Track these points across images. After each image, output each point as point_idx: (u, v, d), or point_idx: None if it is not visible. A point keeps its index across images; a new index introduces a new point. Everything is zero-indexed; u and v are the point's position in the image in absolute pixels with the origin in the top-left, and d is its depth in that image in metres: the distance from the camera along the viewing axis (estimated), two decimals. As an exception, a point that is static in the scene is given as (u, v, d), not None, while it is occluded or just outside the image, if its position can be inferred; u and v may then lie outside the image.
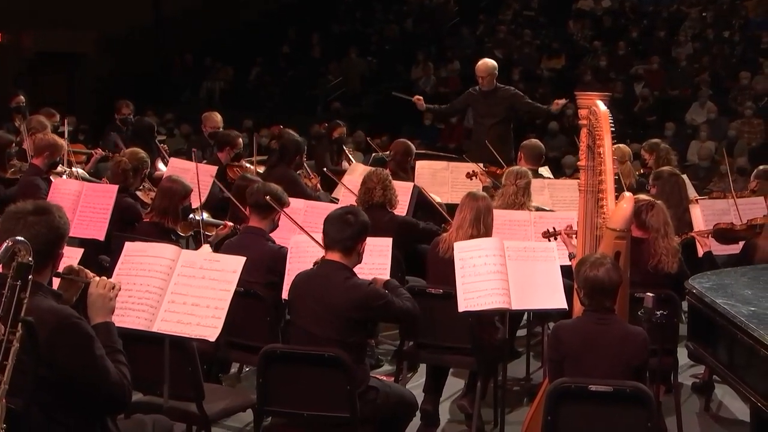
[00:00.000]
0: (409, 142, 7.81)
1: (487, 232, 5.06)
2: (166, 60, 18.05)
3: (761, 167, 7.50)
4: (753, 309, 3.89)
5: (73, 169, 7.32)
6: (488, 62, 8.59)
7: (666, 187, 6.27)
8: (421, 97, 9.03)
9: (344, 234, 4.05)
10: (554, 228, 5.33)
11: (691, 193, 7.14)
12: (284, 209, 5.16)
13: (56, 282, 3.18)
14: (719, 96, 13.84)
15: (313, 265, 4.27)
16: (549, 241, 5.21)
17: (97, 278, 3.16)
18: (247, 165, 8.11)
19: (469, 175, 7.31)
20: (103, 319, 3.10)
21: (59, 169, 6.96)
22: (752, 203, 6.37)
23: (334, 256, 4.07)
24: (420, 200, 6.70)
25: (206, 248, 5.53)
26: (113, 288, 3.15)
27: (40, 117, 8.22)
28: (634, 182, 7.39)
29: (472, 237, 4.91)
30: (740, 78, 13.87)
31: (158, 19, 17.90)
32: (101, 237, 5.90)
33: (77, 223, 5.94)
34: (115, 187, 6.10)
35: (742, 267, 4.99)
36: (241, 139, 8.15)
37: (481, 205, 5.10)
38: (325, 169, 8.10)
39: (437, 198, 7.02)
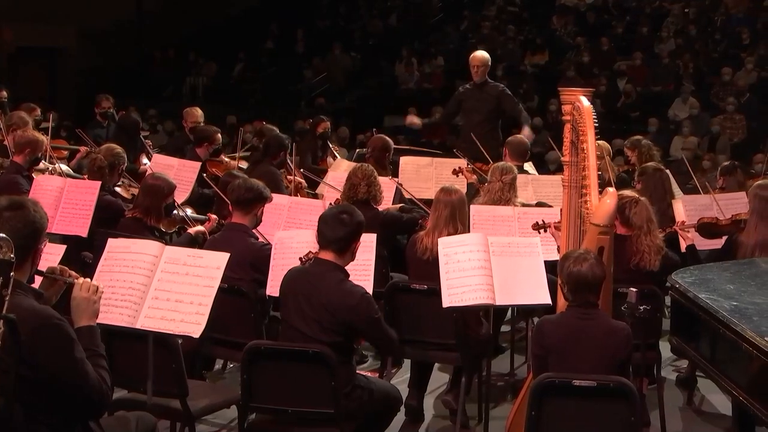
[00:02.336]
0: (387, 138, 7.80)
1: (464, 229, 5.06)
2: (148, 55, 17.95)
3: (724, 164, 7.54)
4: (735, 304, 3.91)
5: (57, 165, 7.26)
6: (483, 53, 8.64)
7: (650, 182, 6.30)
8: (413, 120, 8.89)
9: (339, 234, 4.03)
10: (543, 221, 5.35)
11: (676, 189, 7.17)
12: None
13: (38, 280, 3.16)
14: (701, 92, 13.91)
15: (300, 261, 4.26)
16: (539, 233, 5.22)
17: (81, 280, 3.13)
18: (227, 160, 8.07)
19: (455, 172, 7.32)
20: (87, 323, 3.08)
21: (42, 165, 6.91)
22: (735, 198, 6.40)
23: (328, 256, 4.05)
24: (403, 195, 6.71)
25: (200, 227, 5.53)
26: (97, 290, 3.12)
27: (21, 113, 8.14)
28: (614, 177, 7.41)
29: (448, 236, 4.90)
30: (722, 74, 13.94)
31: (140, 13, 17.80)
32: (84, 233, 5.85)
33: (60, 220, 5.90)
34: (98, 184, 6.05)
35: (724, 262, 5.01)
36: (219, 135, 8.09)
37: (455, 199, 5.11)
38: (302, 170, 8.08)
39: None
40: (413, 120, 8.84)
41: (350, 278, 4.11)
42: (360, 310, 3.96)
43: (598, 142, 7.47)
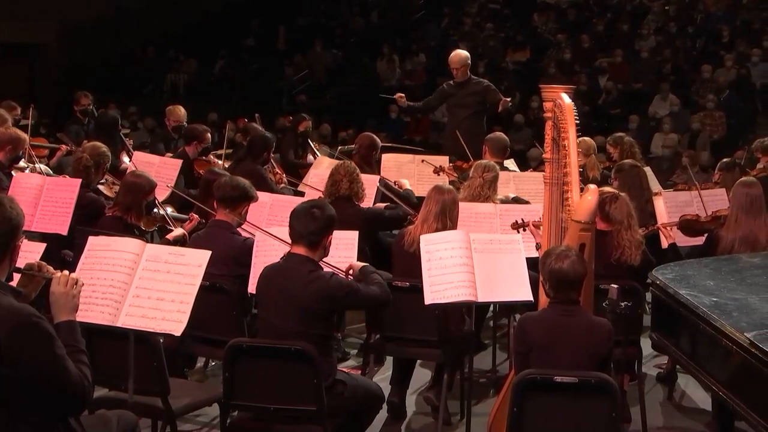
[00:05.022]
0: (374, 136, 7.82)
1: (453, 226, 5.06)
2: (128, 52, 17.86)
3: (725, 160, 7.60)
4: (715, 299, 3.94)
5: (37, 165, 7.21)
6: (461, 53, 8.64)
7: (627, 179, 6.32)
8: (402, 96, 8.86)
9: (310, 228, 4.04)
10: (522, 219, 5.36)
11: (655, 185, 7.21)
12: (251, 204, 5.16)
13: (16, 278, 3.14)
14: (682, 89, 13.99)
15: (281, 259, 4.26)
16: (518, 232, 5.24)
17: (59, 274, 3.11)
18: (215, 160, 8.06)
19: (437, 171, 7.34)
20: (67, 318, 3.06)
21: (21, 164, 6.86)
22: (715, 195, 6.45)
23: (300, 250, 4.07)
24: (385, 194, 6.71)
25: (179, 230, 5.49)
26: (76, 284, 3.10)
27: (0, 110, 8.09)
28: (598, 175, 7.46)
29: (436, 231, 4.92)
30: (702, 71, 14.03)
31: (120, 10, 17.70)
32: (64, 231, 5.81)
33: (39, 218, 5.86)
34: (78, 181, 6.01)
35: (704, 258, 5.04)
36: (209, 134, 8.09)
37: (446, 199, 5.11)
38: (290, 158, 8.09)
39: (407, 183, 7.03)
40: (400, 97, 8.79)
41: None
42: (333, 294, 3.99)
43: (585, 139, 7.58)
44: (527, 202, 6.27)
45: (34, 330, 2.83)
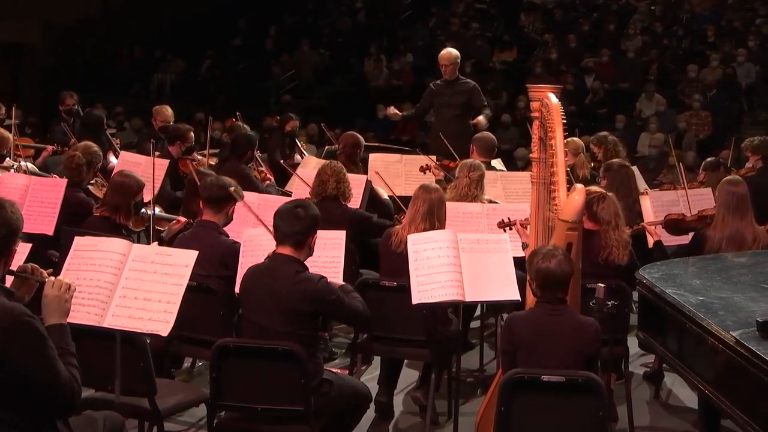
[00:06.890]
0: (358, 135, 7.82)
1: (440, 226, 5.07)
2: (114, 52, 17.79)
3: (709, 159, 7.63)
4: (701, 298, 3.95)
5: (22, 163, 7.17)
6: (452, 51, 8.66)
7: (616, 179, 6.35)
8: (396, 112, 8.92)
9: (295, 228, 4.04)
10: (509, 218, 5.37)
11: (641, 184, 7.24)
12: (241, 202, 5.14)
13: (9, 280, 3.12)
14: (668, 88, 14.04)
15: (265, 259, 4.25)
16: (504, 231, 5.24)
17: (53, 278, 3.10)
18: (199, 158, 8.03)
19: (423, 169, 7.34)
20: (58, 321, 3.05)
21: (7, 163, 6.82)
22: (701, 194, 6.47)
23: (285, 250, 4.06)
24: (370, 196, 6.71)
25: (154, 246, 5.47)
26: (69, 289, 3.09)
27: (-19, 108, 8.07)
28: (587, 174, 7.48)
29: (424, 231, 4.91)
30: (688, 71, 14.09)
31: (106, 9, 17.62)
32: (50, 232, 5.79)
33: (25, 218, 5.77)
34: (64, 181, 5.99)
35: (691, 257, 5.06)
36: (192, 133, 8.06)
37: (434, 198, 5.11)
38: (282, 161, 8.07)
39: (384, 195, 6.99)
40: (393, 111, 8.82)
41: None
42: (321, 296, 3.99)
43: (574, 139, 7.60)
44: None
45: (26, 329, 2.82)
